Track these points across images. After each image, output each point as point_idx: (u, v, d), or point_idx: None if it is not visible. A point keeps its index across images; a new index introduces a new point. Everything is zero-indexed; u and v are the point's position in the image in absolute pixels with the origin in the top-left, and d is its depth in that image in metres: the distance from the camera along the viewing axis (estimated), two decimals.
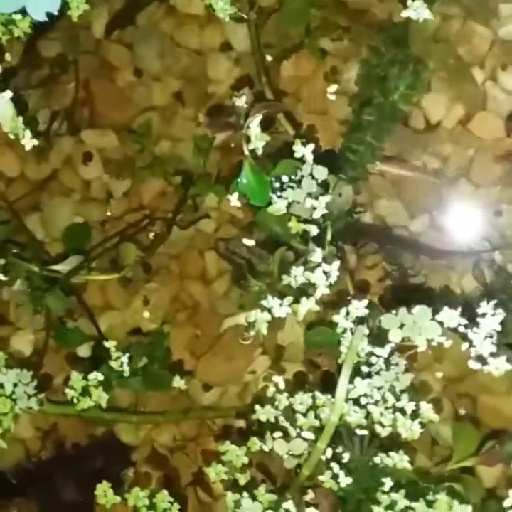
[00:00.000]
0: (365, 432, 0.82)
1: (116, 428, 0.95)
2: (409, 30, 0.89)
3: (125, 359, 0.89)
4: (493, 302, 0.81)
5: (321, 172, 0.84)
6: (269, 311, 0.84)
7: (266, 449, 0.85)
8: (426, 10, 0.87)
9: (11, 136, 0.80)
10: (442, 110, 0.93)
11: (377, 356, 0.83)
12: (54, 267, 0.92)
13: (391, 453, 0.82)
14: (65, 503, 0.94)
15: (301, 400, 0.84)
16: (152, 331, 0.95)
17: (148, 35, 0.99)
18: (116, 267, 0.94)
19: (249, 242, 0.89)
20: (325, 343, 0.83)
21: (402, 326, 0.81)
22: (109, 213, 0.98)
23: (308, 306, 0.83)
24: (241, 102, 0.85)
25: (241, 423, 0.93)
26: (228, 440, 0.89)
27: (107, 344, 0.90)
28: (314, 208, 0.83)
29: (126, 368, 0.89)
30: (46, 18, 0.78)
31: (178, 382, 0.92)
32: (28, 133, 0.80)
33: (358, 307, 0.82)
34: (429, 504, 0.81)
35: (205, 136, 0.94)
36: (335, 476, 0.83)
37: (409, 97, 0.87)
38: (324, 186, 0.84)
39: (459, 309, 0.81)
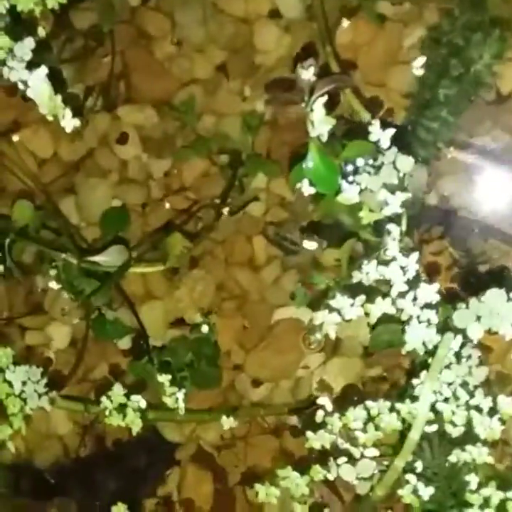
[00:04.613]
0: (433, 429, 0.72)
1: (160, 424, 0.87)
2: None
3: (181, 395, 0.79)
4: None
5: (406, 163, 0.71)
6: (339, 312, 0.73)
7: (331, 477, 0.74)
8: None
9: (50, 118, 0.69)
10: None
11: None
12: (94, 259, 0.82)
13: (468, 447, 0.71)
14: (107, 504, 0.87)
15: (355, 416, 0.73)
16: (198, 323, 0.86)
17: (189, 2, 0.89)
18: (159, 255, 0.84)
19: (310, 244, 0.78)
20: (395, 342, 0.72)
21: (478, 318, 0.71)
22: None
23: (383, 307, 0.71)
24: (308, 74, 0.72)
25: (294, 420, 0.85)
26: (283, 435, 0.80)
27: (160, 378, 0.80)
28: (387, 203, 0.71)
29: (181, 406, 0.79)
30: None
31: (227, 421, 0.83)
32: (68, 112, 0.69)
33: (428, 291, 0.71)
34: None
35: (254, 112, 0.84)
36: (414, 490, 0.72)
37: (494, 67, 0.74)
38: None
39: None
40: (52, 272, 0.84)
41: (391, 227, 0.71)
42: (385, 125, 0.73)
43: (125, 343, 0.89)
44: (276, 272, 0.88)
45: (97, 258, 0.82)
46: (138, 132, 0.91)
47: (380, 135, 0.72)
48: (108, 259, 0.82)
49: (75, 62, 0.88)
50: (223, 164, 0.87)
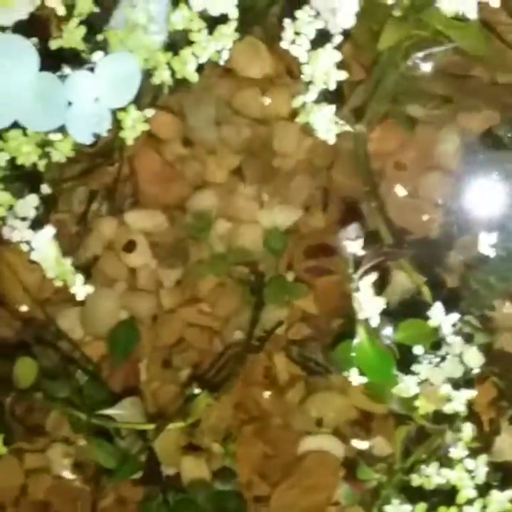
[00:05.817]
0: None
1: None
2: None
3: None
4: None
5: (476, 358, 0.61)
6: None
7: None
8: None
9: (58, 283, 0.60)
10: None
11: None
12: (106, 412, 0.73)
13: None
14: None
15: None
16: (220, 471, 0.77)
17: (201, 102, 0.82)
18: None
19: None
20: None
21: None
22: None
23: None
24: (354, 247, 0.61)
25: None
26: None
27: None
28: (450, 400, 0.61)
29: None
30: (94, 140, 0.57)
31: None
32: (80, 278, 0.59)
33: (500, 500, 0.59)
34: None
35: (277, 230, 0.76)
36: None
37: None
38: None
39: None
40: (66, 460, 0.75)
41: (458, 425, 0.62)
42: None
43: None
44: (301, 394, 0.80)
45: (109, 411, 0.73)
46: (147, 238, 0.83)
47: (442, 319, 0.60)
48: (121, 413, 0.73)
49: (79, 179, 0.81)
50: (241, 278, 0.80)
